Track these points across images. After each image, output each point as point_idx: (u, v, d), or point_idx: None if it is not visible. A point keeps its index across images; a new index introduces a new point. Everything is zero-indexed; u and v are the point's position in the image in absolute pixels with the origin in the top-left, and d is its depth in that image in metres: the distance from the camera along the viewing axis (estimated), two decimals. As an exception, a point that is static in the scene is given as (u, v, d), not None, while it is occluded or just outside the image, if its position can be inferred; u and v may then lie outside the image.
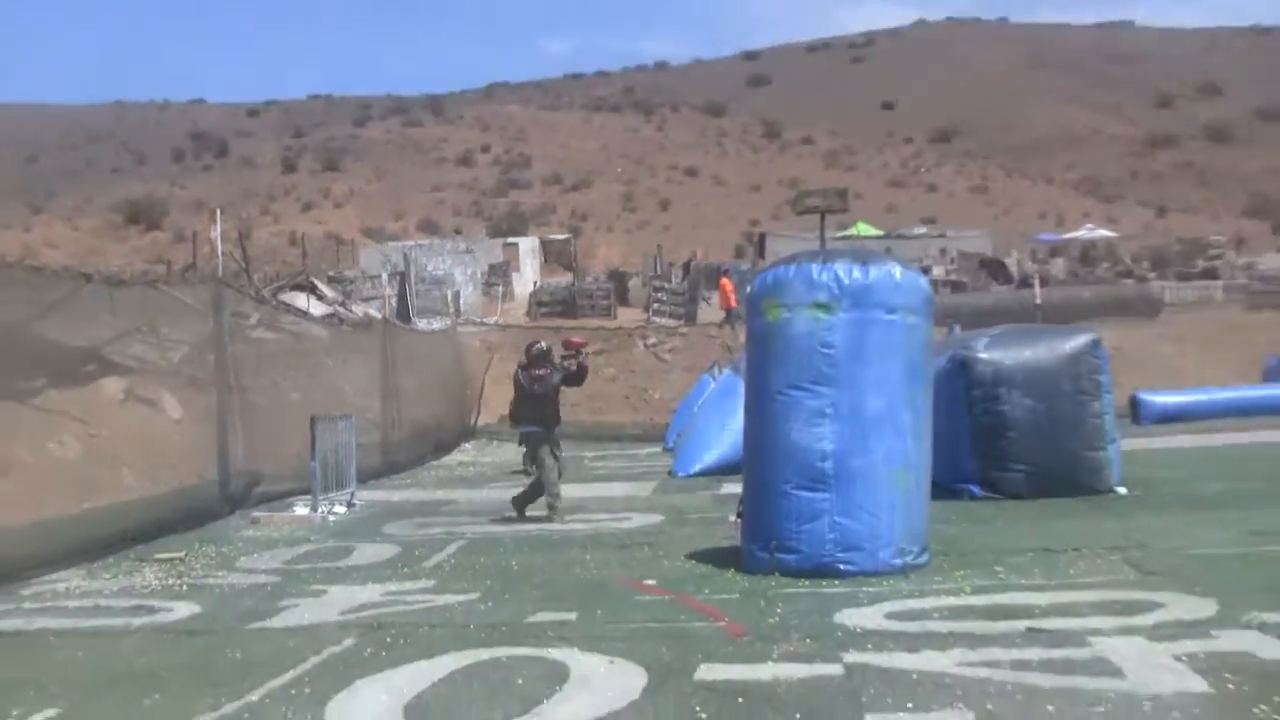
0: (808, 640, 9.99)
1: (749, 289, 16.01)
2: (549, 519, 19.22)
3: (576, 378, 20.54)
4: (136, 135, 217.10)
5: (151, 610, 12.73)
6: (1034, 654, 9.27)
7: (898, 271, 13.90)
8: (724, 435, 24.77)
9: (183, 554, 16.69)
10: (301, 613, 12.34)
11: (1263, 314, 50.81)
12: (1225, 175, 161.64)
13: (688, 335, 50.66)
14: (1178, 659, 8.92)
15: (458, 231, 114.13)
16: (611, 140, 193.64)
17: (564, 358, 20.29)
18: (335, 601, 12.88)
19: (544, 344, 20.56)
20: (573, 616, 11.50)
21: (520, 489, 20.66)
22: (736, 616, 11.13)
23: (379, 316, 36.78)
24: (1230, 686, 8.26)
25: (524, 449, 21.80)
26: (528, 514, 19.65)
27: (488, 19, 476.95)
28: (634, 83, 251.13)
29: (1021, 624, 10.22)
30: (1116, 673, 8.67)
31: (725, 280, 55.93)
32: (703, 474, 25.44)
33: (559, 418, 20.15)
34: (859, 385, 13.29)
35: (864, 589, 12.22)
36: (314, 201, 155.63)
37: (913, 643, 9.78)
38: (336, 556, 16.49)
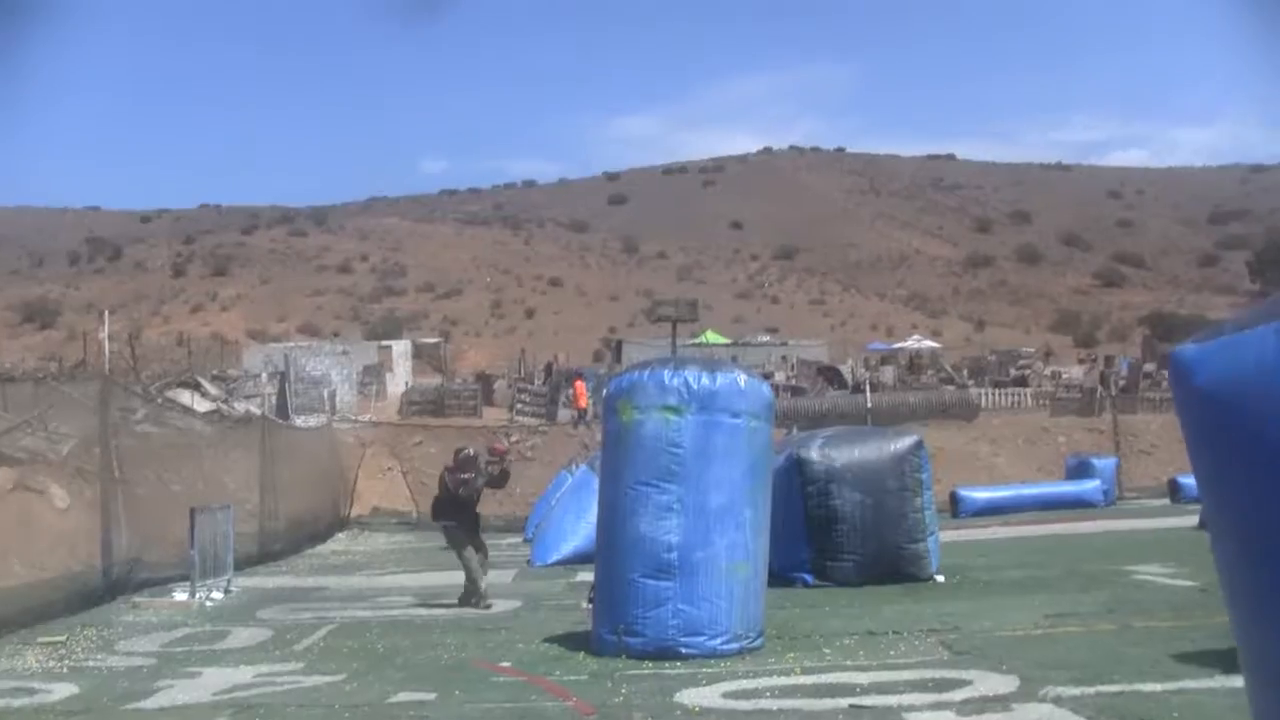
0: (650, 718, 10.01)
1: (605, 392, 16.10)
2: (461, 603, 18.96)
3: (499, 481, 20.40)
4: (34, 238, 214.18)
5: (31, 692, 12.45)
6: (855, 729, 9.35)
7: (742, 379, 14.18)
8: (579, 527, 24.73)
9: (64, 637, 16.32)
10: (176, 693, 12.11)
11: (1065, 418, 51.83)
12: (1035, 293, 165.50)
13: (548, 434, 50.59)
14: (982, 732, 9.04)
15: (336, 334, 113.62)
16: (481, 252, 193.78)
17: (489, 463, 20.13)
18: (209, 683, 12.65)
19: (472, 449, 20.34)
20: (432, 696, 11.41)
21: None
22: (585, 696, 11.10)
23: (259, 414, 36.37)
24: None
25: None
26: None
27: (369, 136, 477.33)
28: (503, 199, 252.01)
29: (844, 701, 10.33)
30: (928, 747, 8.76)
31: (579, 383, 56.01)
32: (559, 563, 25.38)
33: (478, 517, 19.77)
34: (704, 483, 13.41)
35: (703, 670, 12.25)
36: (202, 304, 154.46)
37: (745, 719, 9.80)
38: (212, 640, 16.20)
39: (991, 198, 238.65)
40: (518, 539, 31.62)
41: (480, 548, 19.39)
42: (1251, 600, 4.27)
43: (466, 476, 19.24)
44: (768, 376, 62.61)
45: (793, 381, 66.04)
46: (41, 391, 26.75)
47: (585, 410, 52.26)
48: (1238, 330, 4.24)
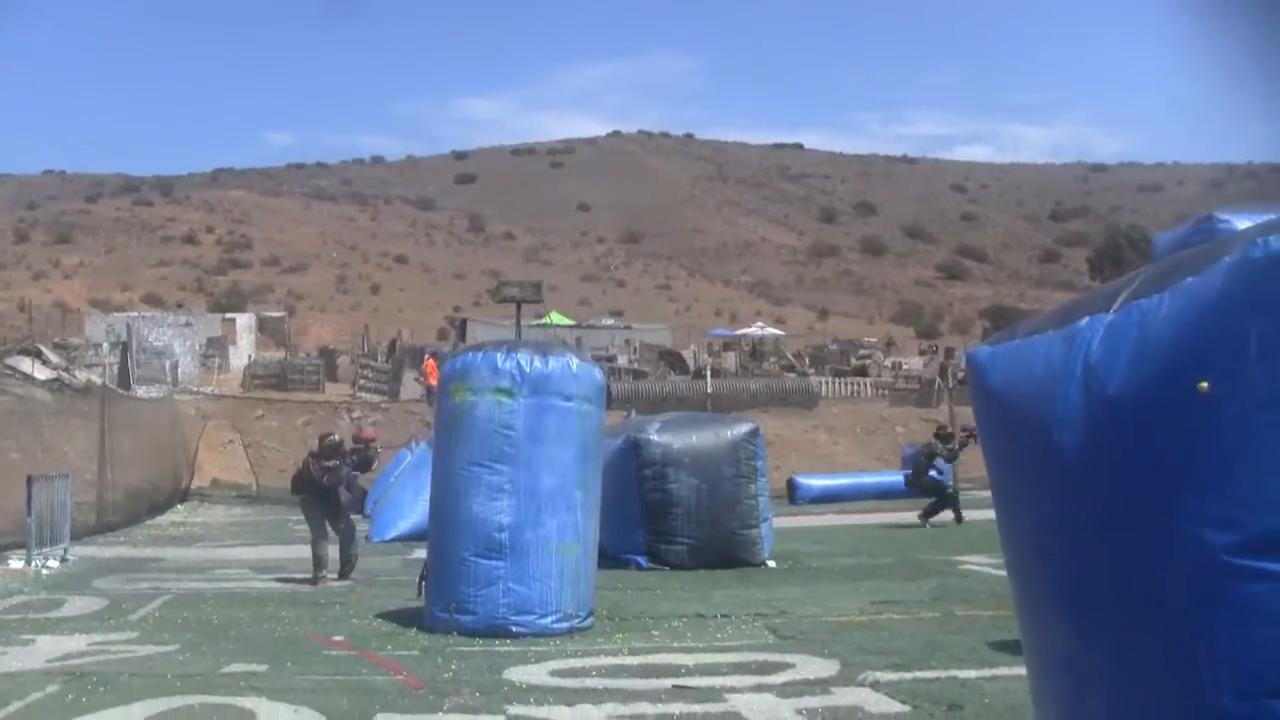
0: (477, 694, 10.16)
1: (440, 373, 16.20)
2: (341, 576, 18.90)
3: (362, 468, 20.42)
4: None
5: None
6: (677, 708, 9.58)
7: (574, 363, 14.32)
8: (417, 504, 24.71)
9: (-104, 603, 16.15)
10: (8, 660, 12.06)
11: (904, 408, 52.64)
12: (879, 284, 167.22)
13: (390, 410, 50.52)
14: (799, 713, 9.31)
15: (180, 306, 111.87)
16: (328, 227, 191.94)
17: (354, 450, 19.90)
18: (42, 650, 12.61)
19: (337, 435, 20.08)
20: (264, 668, 11.47)
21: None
22: (415, 671, 11.22)
23: (100, 383, 35.92)
24: (839, 737, 8.63)
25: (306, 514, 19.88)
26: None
27: (216, 107, 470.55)
28: (351, 175, 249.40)
29: (669, 681, 10.52)
30: (745, 725, 8.98)
31: (430, 360, 55.87)
32: (396, 539, 25.46)
33: (339, 504, 19.18)
34: (535, 464, 13.60)
35: (533, 648, 12.44)
36: (44, 271, 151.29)
37: (571, 697, 10.01)
38: (46, 608, 16.10)
39: (838, 188, 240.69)
40: (356, 515, 31.62)
41: (337, 524, 19.04)
42: (1031, 595, 4.50)
43: (331, 465, 18.84)
44: (610, 360, 63.20)
45: (635, 365, 66.37)
46: (-123, 356, 26.31)
47: (434, 387, 52.15)
48: (1028, 334, 4.44)
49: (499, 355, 14.01)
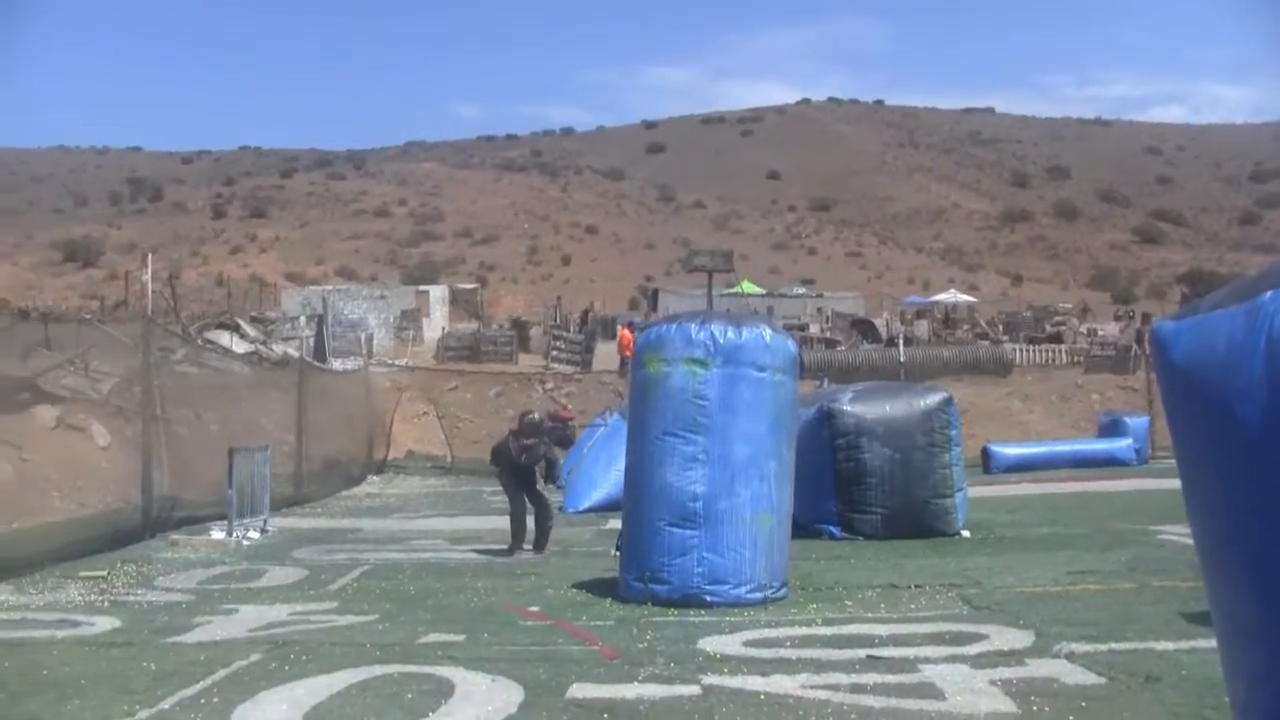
0: (671, 664, 10.22)
1: (634, 344, 16.36)
2: (535, 549, 18.98)
3: (561, 445, 20.48)
4: (77, 178, 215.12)
5: (74, 624, 12.76)
6: (870, 678, 9.56)
7: (767, 334, 14.30)
8: (610, 475, 24.91)
9: (105, 572, 16.64)
10: (213, 629, 12.39)
11: (1099, 375, 51.65)
12: (1073, 249, 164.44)
13: (583, 381, 50.82)
14: (993, 684, 9.23)
15: (373, 278, 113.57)
16: (518, 198, 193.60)
17: (552, 428, 19.98)
18: (245, 620, 12.94)
19: (537, 415, 19.95)
20: (460, 638, 11.64)
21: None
22: (610, 641, 11.33)
23: (297, 356, 36.65)
24: (1035, 708, 8.58)
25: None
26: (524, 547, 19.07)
27: (406, 82, 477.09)
28: (541, 146, 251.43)
29: (862, 652, 10.50)
30: (939, 695, 8.96)
31: (626, 331, 55.97)
32: (590, 510, 25.61)
33: (534, 475, 19.27)
34: (729, 435, 13.64)
35: (726, 619, 12.47)
36: (241, 246, 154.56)
37: (765, 667, 10.01)
38: (248, 578, 16.50)
39: (1030, 152, 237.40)
40: (549, 486, 31.93)
41: (534, 497, 19.17)
42: (1219, 567, 4.50)
43: (529, 443, 18.88)
44: (802, 329, 63.03)
45: (826, 334, 66.08)
46: (83, 331, 27.06)
47: (629, 359, 52.25)
48: (1214, 307, 4.42)
49: (693, 326, 14.09)
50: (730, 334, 13.96)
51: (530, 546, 18.84)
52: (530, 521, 19.09)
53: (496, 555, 18.71)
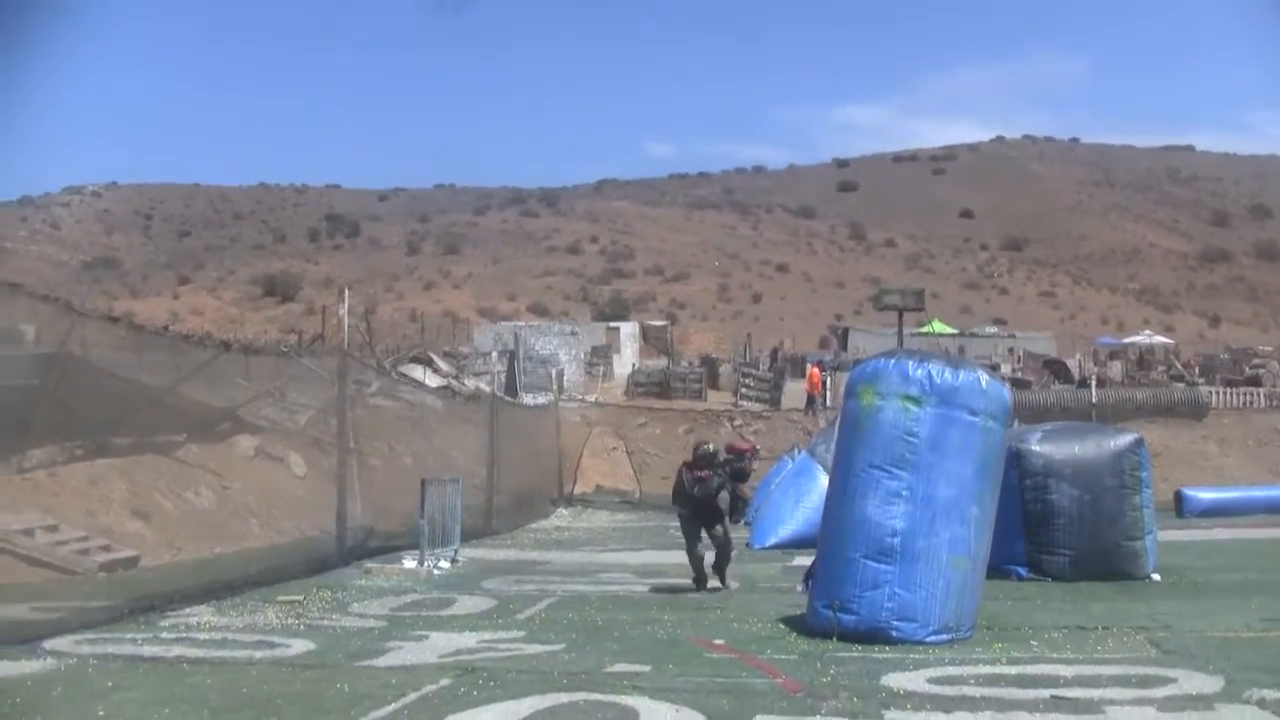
0: (854, 698, 10.21)
1: (849, 376, 16.36)
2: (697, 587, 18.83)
3: (737, 479, 19.24)
4: (277, 215, 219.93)
5: (272, 645, 13.11)
6: (1054, 719, 9.47)
7: (984, 379, 14.37)
8: (797, 512, 24.97)
9: (301, 597, 17.07)
10: (404, 654, 12.66)
11: (1299, 419, 50.45)
12: (1274, 291, 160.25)
13: (771, 419, 50.89)
14: (1181, 729, 9.09)
15: (565, 314, 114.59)
16: (709, 236, 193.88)
17: (727, 461, 19.57)
18: (435, 646, 13.19)
19: (711, 446, 19.26)
20: (646, 669, 11.75)
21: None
22: (793, 675, 11.34)
23: (488, 390, 37.12)
24: (1223, 753, 8.44)
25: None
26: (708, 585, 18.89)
27: (598, 120, 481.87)
28: (733, 184, 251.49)
29: (1047, 692, 10.39)
30: (1124, 737, 8.86)
31: (815, 370, 55.85)
32: (776, 547, 25.54)
33: (719, 513, 18.69)
34: (935, 475, 13.70)
35: (910, 655, 12.43)
36: (434, 282, 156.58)
37: (948, 705, 9.97)
38: (438, 606, 16.81)
39: (1230, 190, 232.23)
40: (736, 522, 31.93)
41: (713, 531, 18.67)
42: None
43: (703, 475, 18.45)
44: (993, 368, 62.29)
45: (1018, 374, 65.42)
46: (282, 363, 27.63)
47: (817, 397, 52.18)
48: None
49: (910, 363, 14.19)
50: (947, 374, 14.01)
51: (717, 582, 18.81)
52: (710, 557, 18.96)
53: (682, 589, 18.75)
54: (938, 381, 13.86)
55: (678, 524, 19.33)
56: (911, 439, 13.71)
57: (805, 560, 16.51)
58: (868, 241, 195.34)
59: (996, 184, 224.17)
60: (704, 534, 18.78)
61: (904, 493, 13.58)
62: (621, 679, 11.22)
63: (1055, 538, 19.60)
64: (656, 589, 19.01)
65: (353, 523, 21.91)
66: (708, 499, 18.56)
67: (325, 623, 15.07)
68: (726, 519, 18.94)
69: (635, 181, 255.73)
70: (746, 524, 28.74)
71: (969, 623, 13.78)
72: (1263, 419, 51.90)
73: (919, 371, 13.96)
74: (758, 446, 23.72)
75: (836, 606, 13.57)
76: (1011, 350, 79.19)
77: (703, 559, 18.87)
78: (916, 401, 13.80)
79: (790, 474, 28.74)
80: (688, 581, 18.98)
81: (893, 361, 14.39)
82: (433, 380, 41.84)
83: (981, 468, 13.95)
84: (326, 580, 19.22)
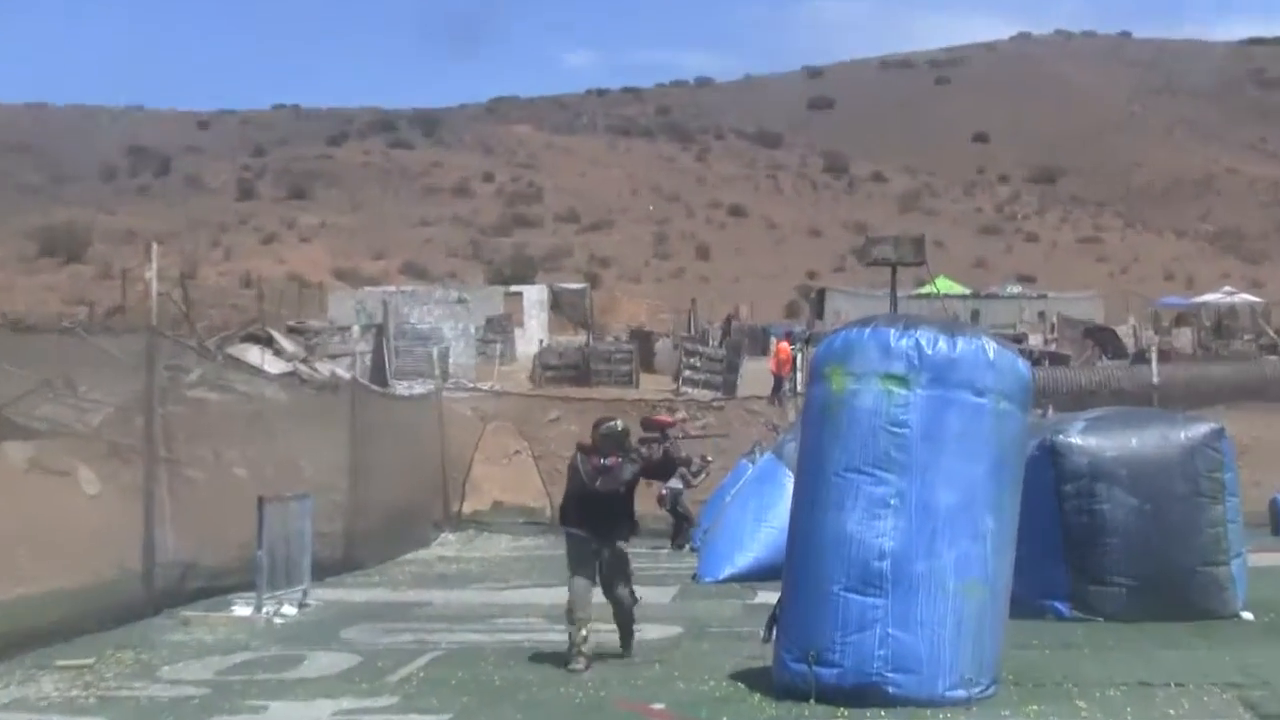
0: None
1: (814, 354, 16.18)
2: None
3: (660, 470, 18.61)
4: (57, 146, 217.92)
5: (49, 727, 12.86)
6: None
7: (990, 348, 14.17)
8: (760, 533, 24.85)
9: (91, 660, 16.76)
10: (234, 733, 12.43)
11: None
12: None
13: (725, 410, 50.71)
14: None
15: (450, 277, 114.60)
16: (640, 171, 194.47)
17: (643, 440, 18.52)
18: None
19: (619, 423, 17.44)
20: (562, 743, 11.54)
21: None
22: (760, 751, 11.17)
23: (349, 377, 36.88)
24: None
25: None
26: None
27: (491, 22, 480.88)
28: (670, 102, 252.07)
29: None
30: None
31: (783, 345, 55.74)
32: (733, 579, 25.41)
33: (633, 524, 17.35)
34: (933, 476, 13.51)
35: (915, 720, 12.18)
36: (275, 234, 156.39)
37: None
38: (282, 667, 16.60)
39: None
40: (683, 550, 31.88)
41: (615, 577, 16.78)
42: None
43: (609, 463, 16.58)
44: (1019, 340, 62.56)
45: (1051, 346, 65.68)
46: (67, 345, 27.27)
47: (785, 380, 52.03)
48: None
49: (892, 332, 13.98)
50: (942, 344, 13.80)
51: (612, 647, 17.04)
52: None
53: (609, 635, 18.49)
54: (929, 353, 13.69)
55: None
56: (899, 430, 13.54)
57: (771, 595, 16.26)
58: (850, 176, 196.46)
59: (1019, 97, 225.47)
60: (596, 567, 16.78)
61: (893, 501, 13.40)
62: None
63: (1107, 563, 19.48)
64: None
65: (165, 557, 21.62)
66: (615, 501, 16.71)
67: (124, 693, 14.83)
68: (629, 581, 17.07)
69: (542, 100, 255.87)
70: (693, 550, 28.68)
71: (991, 672, 13.63)
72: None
73: (904, 342, 13.77)
74: (690, 425, 23.26)
75: (812, 658, 13.36)
76: (1043, 315, 79.62)
77: (585, 597, 16.63)
78: (902, 382, 13.65)
79: (751, 482, 28.52)
80: (614, 627, 17.55)
81: (868, 331, 14.20)
82: (274, 365, 41.52)
83: (995, 464, 13.79)
84: (128, 635, 18.94)
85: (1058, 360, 60.31)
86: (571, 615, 16.41)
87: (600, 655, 16.96)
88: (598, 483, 16.59)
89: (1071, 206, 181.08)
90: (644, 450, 17.93)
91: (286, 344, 49.95)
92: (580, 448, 17.33)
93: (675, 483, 19.37)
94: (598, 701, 13.80)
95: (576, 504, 16.97)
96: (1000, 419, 13.87)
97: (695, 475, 20.71)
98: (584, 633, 16.29)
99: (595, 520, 16.65)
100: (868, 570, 13.28)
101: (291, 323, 64.88)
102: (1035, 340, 66.89)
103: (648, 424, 19.01)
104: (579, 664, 16.06)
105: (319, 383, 38.58)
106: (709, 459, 21.31)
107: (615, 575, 16.77)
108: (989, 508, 13.67)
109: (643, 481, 17.99)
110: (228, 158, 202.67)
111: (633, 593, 17.06)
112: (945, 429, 13.60)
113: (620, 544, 16.88)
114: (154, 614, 20.48)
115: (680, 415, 44.10)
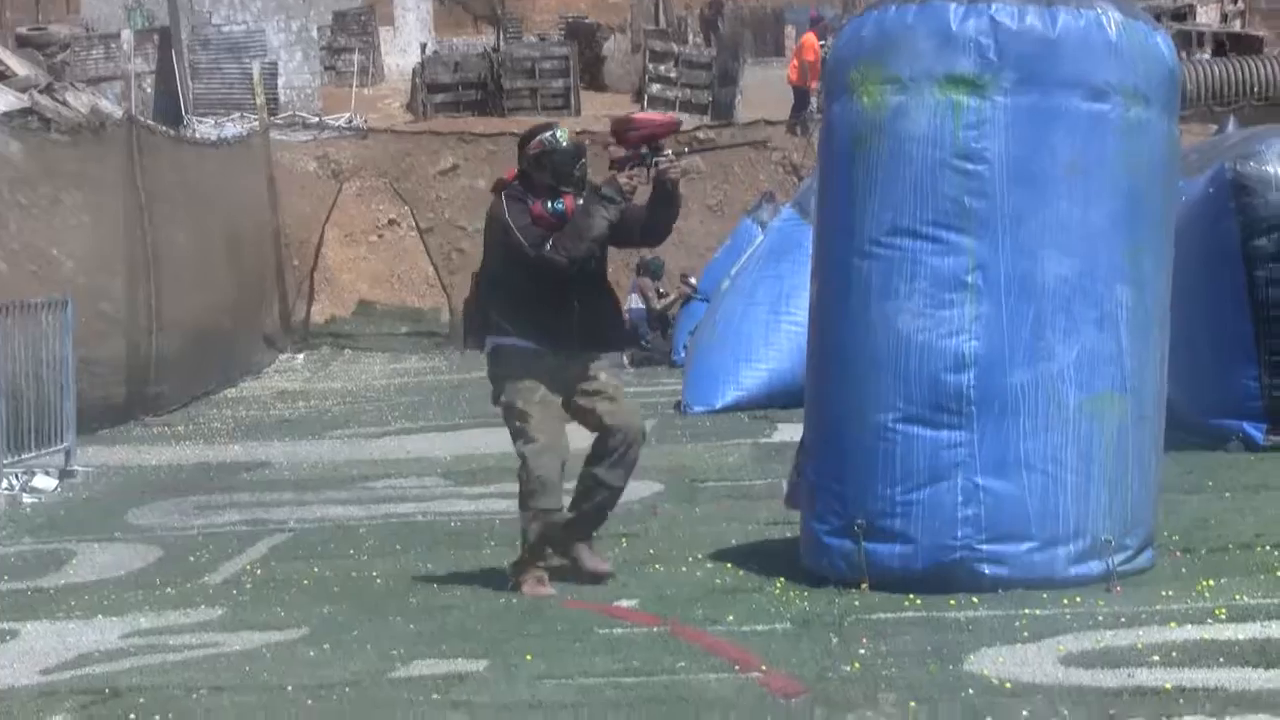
0: (912, 703, 10.00)
1: (832, 49, 15.94)
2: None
3: (664, 212, 14.87)
4: None
5: None
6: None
7: (1112, 20, 13.35)
8: (777, 336, 24.86)
9: None
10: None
11: None
12: None
13: (716, 144, 50.59)
14: None
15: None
16: None
17: (615, 164, 16.24)
18: (32, 650, 12.99)
19: (561, 133, 14.93)
20: (479, 666, 11.46)
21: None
22: (786, 664, 11.16)
23: (120, 115, 36.67)
24: None
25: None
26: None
27: None
28: None
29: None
30: None
31: (810, 38, 54.61)
32: (738, 407, 25.49)
33: (623, 322, 16.67)
34: (1031, 234, 13.01)
35: (1024, 611, 12.27)
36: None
37: (1108, 708, 9.76)
38: (37, 570, 16.67)
39: None
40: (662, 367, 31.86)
41: (612, 438, 14.51)
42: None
43: (562, 206, 14.46)
44: (1179, 17, 62.30)
45: (1235, 25, 65.34)
46: None
47: (811, 93, 51.13)
48: None
49: (953, 7, 13.14)
50: (1032, 20, 13.06)
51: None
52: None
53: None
54: (1014, 36, 12.96)
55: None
56: (973, 167, 12.97)
57: (797, 431, 15.70)
58: None
59: None
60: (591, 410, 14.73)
61: (970, 278, 12.92)
62: (429, 692, 10.86)
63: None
64: (492, 505, 18.72)
65: None
66: (585, 279, 14.65)
67: None
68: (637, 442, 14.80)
69: None
70: (673, 366, 28.74)
71: (1141, 535, 13.48)
72: None
73: (972, 22, 13.02)
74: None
75: (860, 529, 13.07)
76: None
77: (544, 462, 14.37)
78: (974, 87, 13.01)
79: (760, 256, 28.06)
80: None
81: (914, 8, 13.32)
82: (1, 100, 41.39)
83: (1131, 207, 13.30)
84: None
85: (1245, 46, 59.85)
86: (530, 500, 14.30)
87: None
88: (547, 246, 14.30)
89: None
90: (621, 180, 14.65)
91: (17, 67, 49.66)
92: (502, 189, 15.00)
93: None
94: (535, 601, 13.50)
95: (510, 293, 14.73)
96: (1133, 134, 13.28)
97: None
98: (553, 530, 14.37)
99: (552, 318, 14.42)
100: (938, 388, 12.89)
101: (25, 29, 64.41)
102: (1208, 15, 66.17)
103: (622, 130, 15.57)
104: (544, 586, 14.25)
105: (72, 124, 38.35)
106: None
107: (610, 429, 14.58)
108: (1123, 277, 13.17)
109: None
110: None
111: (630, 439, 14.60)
112: (1046, 157, 13.01)
113: (604, 360, 15.39)
114: None
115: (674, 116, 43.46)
